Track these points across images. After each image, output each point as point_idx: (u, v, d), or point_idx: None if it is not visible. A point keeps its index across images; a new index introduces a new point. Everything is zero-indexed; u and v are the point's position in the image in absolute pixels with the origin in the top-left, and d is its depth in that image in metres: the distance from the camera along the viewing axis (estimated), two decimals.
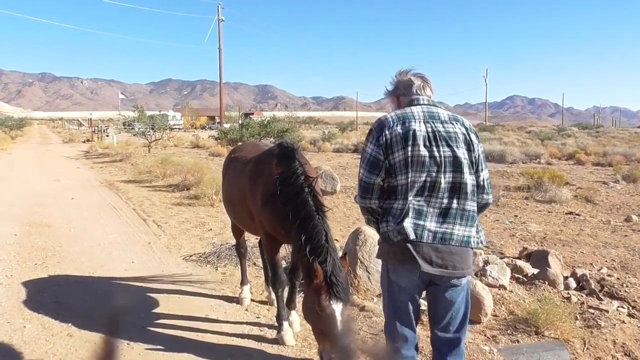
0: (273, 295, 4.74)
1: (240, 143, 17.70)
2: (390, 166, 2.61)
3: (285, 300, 4.35)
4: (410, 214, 2.59)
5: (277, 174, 3.80)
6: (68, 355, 4.00)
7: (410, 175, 2.58)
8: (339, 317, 3.11)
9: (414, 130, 2.61)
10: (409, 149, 2.58)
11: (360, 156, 2.75)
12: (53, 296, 5.25)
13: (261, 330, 4.44)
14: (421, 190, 2.60)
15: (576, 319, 4.68)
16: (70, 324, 4.51)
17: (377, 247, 2.72)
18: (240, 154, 5.03)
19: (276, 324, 4.35)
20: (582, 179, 15.25)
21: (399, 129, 2.62)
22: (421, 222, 2.58)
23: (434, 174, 2.59)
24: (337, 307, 3.14)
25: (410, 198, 2.60)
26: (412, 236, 2.55)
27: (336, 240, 7.28)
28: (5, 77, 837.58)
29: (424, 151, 2.58)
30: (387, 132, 2.63)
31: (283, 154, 3.89)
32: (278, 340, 4.20)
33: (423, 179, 2.58)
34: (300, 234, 3.50)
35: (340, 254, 3.57)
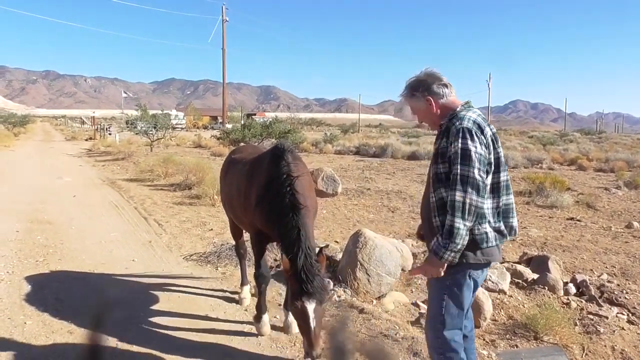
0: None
1: (242, 144, 17.74)
2: (489, 164, 2.66)
3: (266, 296, 4.48)
4: (503, 213, 2.75)
5: (267, 175, 3.86)
6: (68, 352, 4.01)
7: (501, 175, 2.72)
8: (311, 315, 3.17)
9: (494, 132, 2.76)
10: (499, 149, 2.73)
11: (453, 159, 2.57)
12: (54, 293, 5.26)
13: None
14: (505, 188, 2.75)
15: (575, 324, 4.69)
16: (70, 321, 4.52)
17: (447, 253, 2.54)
18: (239, 155, 5.08)
19: (277, 324, 4.36)
20: (584, 184, 15.24)
21: (489, 129, 2.72)
22: (509, 220, 2.79)
23: (505, 173, 2.78)
24: (309, 305, 3.19)
25: (503, 197, 2.73)
26: (506, 234, 2.76)
27: (336, 242, 7.32)
28: (10, 74, 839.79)
29: (501, 151, 2.77)
30: (486, 131, 2.67)
31: (275, 155, 3.92)
32: (255, 330, 4.39)
33: (503, 177, 2.74)
34: (279, 231, 3.60)
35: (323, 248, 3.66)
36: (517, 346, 4.29)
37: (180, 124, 56.57)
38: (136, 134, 27.70)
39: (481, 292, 4.71)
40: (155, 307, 4.95)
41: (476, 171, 2.51)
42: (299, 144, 26.18)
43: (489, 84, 74.87)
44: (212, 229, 8.34)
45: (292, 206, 3.62)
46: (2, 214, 9.22)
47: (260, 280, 4.33)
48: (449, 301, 2.73)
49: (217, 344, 4.21)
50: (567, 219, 9.96)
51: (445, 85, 2.75)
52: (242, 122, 29.80)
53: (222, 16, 51.62)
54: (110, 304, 4.95)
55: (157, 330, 4.43)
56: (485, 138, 2.62)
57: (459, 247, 2.52)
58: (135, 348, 4.09)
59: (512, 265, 6.04)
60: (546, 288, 5.46)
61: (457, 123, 2.61)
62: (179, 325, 4.52)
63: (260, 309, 4.40)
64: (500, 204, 2.73)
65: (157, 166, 15.20)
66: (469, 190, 2.48)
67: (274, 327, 4.50)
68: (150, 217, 9.26)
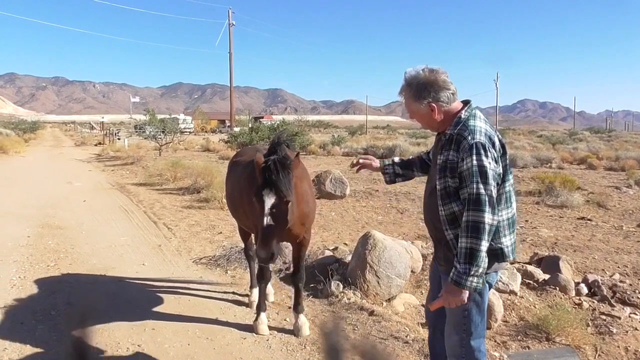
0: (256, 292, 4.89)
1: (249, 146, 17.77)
2: (498, 176, 2.55)
3: (265, 295, 4.60)
4: (513, 223, 2.68)
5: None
6: None
7: (506, 184, 2.62)
8: (267, 207, 3.32)
9: (501, 140, 2.66)
10: (507, 157, 2.65)
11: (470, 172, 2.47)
12: (65, 297, 5.30)
13: (271, 334, 4.44)
14: (511, 197, 2.66)
15: (588, 325, 4.65)
16: None
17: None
18: (241, 158, 5.13)
19: (287, 327, 4.38)
20: (594, 183, 15.12)
21: (497, 137, 2.62)
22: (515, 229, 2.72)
23: (510, 176, 2.67)
24: (267, 198, 3.34)
25: (512, 206, 2.65)
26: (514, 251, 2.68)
27: (345, 244, 7.31)
28: (20, 80, 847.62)
29: (508, 158, 2.70)
30: (495, 142, 2.57)
31: (269, 151, 3.92)
32: (252, 328, 4.46)
33: (508, 185, 2.64)
34: None
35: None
36: (528, 347, 4.27)
37: (188, 128, 56.79)
38: (145, 138, 27.84)
39: (492, 293, 4.68)
40: (165, 310, 4.97)
41: (492, 189, 2.43)
42: (306, 146, 26.18)
43: (496, 84, 74.58)
44: (221, 232, 8.36)
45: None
46: (14, 219, 9.30)
47: (261, 281, 4.43)
48: (471, 310, 2.65)
49: (228, 347, 4.22)
50: (578, 219, 9.89)
51: (453, 93, 2.64)
52: (250, 126, 29.88)
53: (229, 20, 51.82)
54: (121, 306, 4.97)
55: (168, 334, 4.44)
56: (495, 151, 2.54)
57: (480, 270, 2.42)
58: (146, 351, 4.10)
59: (522, 266, 6.00)
60: (557, 289, 5.42)
61: (470, 137, 2.49)
62: (189, 329, 4.53)
63: (260, 308, 4.49)
64: (510, 214, 2.65)
65: (165, 170, 15.26)
66: (487, 209, 2.40)
67: (283, 330, 4.51)
68: (159, 221, 9.30)
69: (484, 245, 2.39)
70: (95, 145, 36.67)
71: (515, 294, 5.30)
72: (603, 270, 6.47)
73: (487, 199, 2.40)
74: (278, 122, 26.18)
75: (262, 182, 3.39)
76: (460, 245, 2.43)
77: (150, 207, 10.82)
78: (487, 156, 2.45)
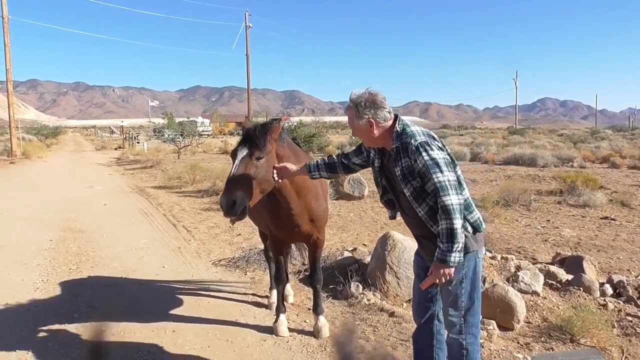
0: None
1: None
2: (450, 162, 2.86)
3: (283, 296, 4.59)
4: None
5: None
6: None
7: (457, 170, 2.91)
8: (237, 160, 3.43)
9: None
10: (448, 150, 2.95)
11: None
12: (87, 300, 5.36)
13: (291, 335, 4.43)
14: (463, 182, 2.95)
15: (613, 326, 4.54)
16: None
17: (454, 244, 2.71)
18: None
19: (307, 328, 4.37)
20: (618, 182, 14.83)
21: (436, 136, 2.97)
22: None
23: (458, 168, 2.95)
24: (239, 150, 3.48)
25: (466, 189, 2.93)
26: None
27: (364, 245, 7.28)
28: (41, 87, 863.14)
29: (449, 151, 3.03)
30: (435, 136, 2.94)
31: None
32: (272, 329, 4.47)
33: (459, 172, 2.93)
34: None
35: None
36: (552, 349, 4.18)
37: (207, 131, 57.15)
38: (163, 141, 28.12)
39: (514, 294, 4.61)
40: (186, 312, 4.99)
41: (448, 173, 2.73)
42: (324, 147, 26.16)
43: (515, 82, 73.77)
44: (240, 234, 8.39)
45: None
46: (36, 223, 9.46)
47: (279, 283, 4.46)
48: (466, 286, 2.91)
49: (248, 348, 4.22)
50: (601, 218, 9.70)
51: (389, 112, 2.95)
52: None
53: (246, 22, 52.08)
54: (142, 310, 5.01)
55: (188, 336, 4.46)
56: (438, 142, 2.87)
57: (460, 245, 2.69)
58: (166, 355, 4.12)
59: (545, 266, 5.89)
60: (581, 289, 5.31)
61: (413, 141, 2.82)
62: (209, 331, 4.54)
63: (279, 309, 4.50)
64: (468, 194, 2.94)
65: (184, 173, 15.39)
66: (452, 192, 2.70)
67: (303, 332, 4.50)
68: (179, 224, 9.37)
69: (458, 222, 2.67)
70: (115, 149, 37.18)
71: (538, 294, 5.20)
72: (628, 270, 6.33)
73: (448, 183, 2.71)
74: (295, 124, 26.17)
75: (239, 140, 3.57)
76: (441, 227, 2.71)
77: (170, 209, 10.91)
78: (432, 150, 2.78)
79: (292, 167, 3.55)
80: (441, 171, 2.72)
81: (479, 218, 2.92)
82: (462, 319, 2.93)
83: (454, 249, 2.67)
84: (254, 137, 3.47)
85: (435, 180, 2.70)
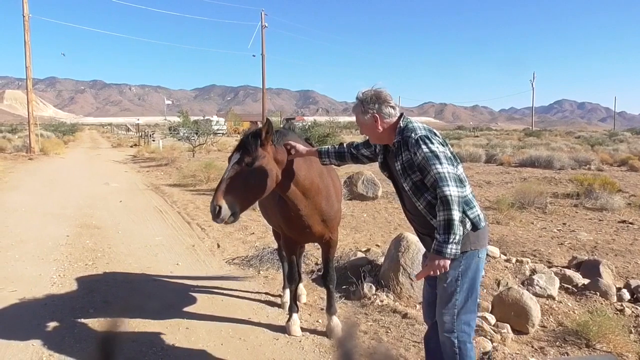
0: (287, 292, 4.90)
1: None
2: (453, 158, 2.88)
3: (296, 296, 4.62)
4: (474, 199, 2.97)
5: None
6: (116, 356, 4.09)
7: (459, 168, 2.90)
8: (230, 162, 3.47)
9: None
10: (450, 147, 2.97)
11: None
12: (102, 296, 5.42)
13: (303, 335, 4.44)
14: (466, 179, 2.94)
15: (630, 332, 4.48)
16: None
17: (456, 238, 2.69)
18: None
19: (320, 328, 4.41)
20: (636, 186, 14.60)
21: (438, 133, 2.99)
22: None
23: (461, 166, 2.98)
24: (233, 155, 3.53)
25: (468, 186, 2.93)
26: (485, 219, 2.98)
27: (377, 245, 7.26)
28: (60, 84, 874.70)
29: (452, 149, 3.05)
30: (437, 132, 2.96)
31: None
32: (285, 329, 4.48)
33: (461, 170, 2.93)
34: None
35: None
36: (567, 354, 4.14)
37: (221, 130, 57.38)
38: (179, 140, 28.30)
39: (529, 297, 4.56)
40: (199, 311, 5.02)
41: (449, 167, 2.74)
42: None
43: (532, 84, 73.07)
44: (253, 233, 8.42)
45: None
46: (54, 219, 9.58)
47: (291, 282, 4.46)
48: (463, 285, 2.89)
49: (260, 347, 4.23)
50: (619, 222, 9.56)
51: (393, 108, 3.02)
52: (282, 127, 29.98)
53: (261, 22, 52.23)
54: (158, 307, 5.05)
55: (201, 334, 4.49)
56: (439, 137, 2.90)
57: (457, 237, 2.67)
58: (179, 351, 4.15)
59: (560, 270, 5.83)
60: (598, 294, 5.25)
61: (413, 134, 2.86)
62: (222, 329, 4.57)
63: (291, 309, 4.51)
64: (469, 190, 2.92)
65: (199, 171, 15.48)
66: (451, 183, 2.68)
67: (315, 332, 4.50)
68: (193, 222, 9.43)
69: (457, 214, 2.65)
70: (131, 146, 37.51)
71: (553, 298, 5.15)
72: None
73: (447, 175, 2.70)
74: (309, 123, 26.19)
75: (235, 146, 3.63)
76: (438, 219, 2.70)
77: (184, 207, 10.99)
78: (432, 143, 2.80)
79: (303, 148, 3.66)
80: (440, 163, 2.73)
81: (478, 215, 2.90)
82: (455, 317, 2.92)
83: (451, 241, 2.65)
84: (245, 143, 3.50)
85: (435, 171, 2.71)
